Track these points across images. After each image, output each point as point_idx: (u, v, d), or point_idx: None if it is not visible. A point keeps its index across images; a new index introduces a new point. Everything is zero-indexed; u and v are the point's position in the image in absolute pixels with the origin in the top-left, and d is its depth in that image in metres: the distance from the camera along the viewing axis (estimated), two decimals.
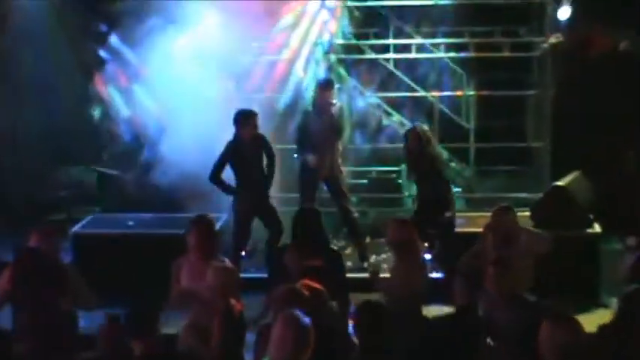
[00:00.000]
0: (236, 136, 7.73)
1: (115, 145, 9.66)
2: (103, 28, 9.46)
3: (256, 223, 7.96)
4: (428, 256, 7.29)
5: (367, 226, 8.89)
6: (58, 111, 9.57)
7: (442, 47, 9.69)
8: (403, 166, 9.23)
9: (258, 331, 4.75)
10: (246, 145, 7.71)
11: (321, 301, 4.65)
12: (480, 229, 6.79)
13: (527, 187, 9.29)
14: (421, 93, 9.80)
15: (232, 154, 7.69)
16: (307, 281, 4.74)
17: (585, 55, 9.00)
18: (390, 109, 9.84)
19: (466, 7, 9.57)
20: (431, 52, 9.75)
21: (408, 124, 9.60)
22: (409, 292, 5.56)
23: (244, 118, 7.67)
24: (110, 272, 7.32)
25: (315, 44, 9.51)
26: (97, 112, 9.71)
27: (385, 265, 7.64)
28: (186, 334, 5.24)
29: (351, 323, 4.76)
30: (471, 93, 9.78)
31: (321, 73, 9.36)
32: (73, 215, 8.82)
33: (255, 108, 7.96)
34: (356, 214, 8.47)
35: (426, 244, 7.41)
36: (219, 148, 7.90)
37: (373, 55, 9.72)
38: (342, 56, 9.66)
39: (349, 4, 9.69)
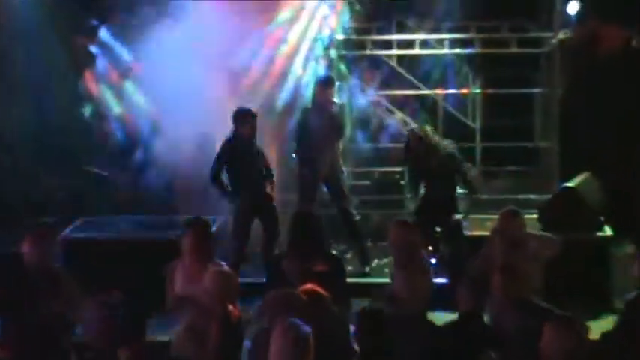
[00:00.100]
0: (234, 134, 7.75)
1: (106, 145, 9.64)
2: (94, 22, 9.44)
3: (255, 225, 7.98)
4: (432, 260, 7.31)
5: (369, 229, 8.91)
6: (49, 110, 9.57)
7: (447, 43, 9.69)
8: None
9: (254, 337, 4.76)
10: (245, 143, 7.73)
11: (323, 307, 4.66)
12: (486, 232, 6.80)
13: (534, 189, 9.30)
14: (425, 91, 9.80)
15: (231, 152, 7.70)
16: (310, 286, 4.74)
17: (595, 52, 8.99)
18: (392, 108, 9.85)
19: (472, 1, 9.57)
20: (435, 48, 9.75)
21: (412, 123, 9.64)
22: (412, 298, 5.56)
23: (243, 116, 7.70)
24: (102, 278, 7.29)
25: (315, 40, 9.51)
26: (87, 111, 9.69)
27: (387, 270, 7.64)
28: (181, 339, 5.23)
29: (352, 329, 4.78)
30: (477, 91, 9.79)
31: (321, 70, 9.37)
32: (64, 217, 8.80)
33: (253, 106, 7.98)
34: (357, 217, 8.48)
35: (430, 248, 7.44)
36: (216, 147, 7.93)
37: (375, 52, 9.72)
38: (343, 52, 9.66)
39: None
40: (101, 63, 9.44)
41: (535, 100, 9.97)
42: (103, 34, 9.38)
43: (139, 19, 8.85)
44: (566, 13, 9.15)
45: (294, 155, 8.43)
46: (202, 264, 5.48)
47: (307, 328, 4.00)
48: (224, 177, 7.83)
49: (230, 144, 7.75)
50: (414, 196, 8.04)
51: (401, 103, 9.89)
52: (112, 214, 8.83)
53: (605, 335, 4.56)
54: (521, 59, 9.62)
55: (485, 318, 5.21)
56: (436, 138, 7.84)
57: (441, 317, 5.55)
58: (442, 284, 6.93)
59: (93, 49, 9.45)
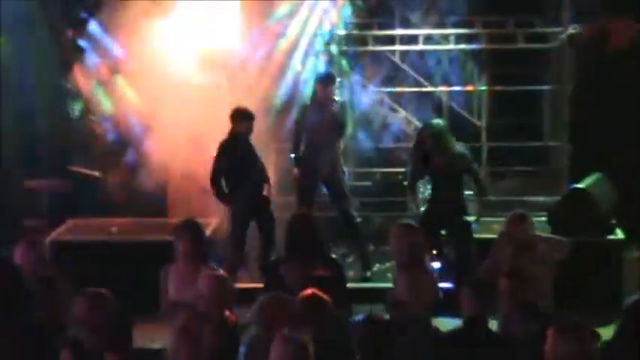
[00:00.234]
0: (232, 133, 7.78)
1: (95, 144, 9.66)
2: (82, 14, 9.44)
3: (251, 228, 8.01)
4: (437, 264, 7.33)
5: (370, 232, 8.92)
6: (34, 106, 9.57)
7: (451, 38, 9.71)
8: None
9: (250, 343, 4.79)
10: (243, 143, 7.76)
11: (326, 314, 4.68)
12: (493, 235, 6.83)
13: (543, 190, 9.31)
14: (429, 88, 9.82)
15: (229, 153, 7.72)
16: (312, 291, 4.77)
17: (606, 48, 9.02)
18: (395, 105, 9.87)
19: None
20: (439, 43, 9.77)
21: (415, 122, 9.66)
22: (415, 303, 5.59)
23: (242, 115, 7.73)
24: (91, 282, 7.30)
25: (315, 35, 9.54)
26: (75, 108, 9.70)
27: (389, 275, 7.66)
28: (176, 345, 5.24)
29: (353, 337, 4.80)
30: (483, 88, 9.81)
31: (321, 67, 9.39)
32: (51, 219, 8.82)
33: (250, 103, 8.00)
34: (358, 219, 8.49)
35: (434, 251, 7.47)
36: (211, 147, 7.95)
37: (377, 47, 9.75)
38: (344, 48, 9.69)
39: None
40: (90, 58, 9.43)
41: (543, 98, 10.00)
42: (93, 27, 9.37)
43: (130, 11, 8.85)
44: (574, 7, 9.18)
45: (292, 155, 8.45)
46: (197, 268, 5.51)
47: (307, 337, 4.04)
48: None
49: (228, 144, 7.77)
50: (410, 195, 8.01)
51: (404, 101, 9.92)
52: (102, 215, 8.84)
53: (606, 344, 4.60)
54: (529, 55, 9.64)
55: (494, 323, 5.24)
56: (449, 135, 7.78)
57: (446, 323, 5.58)
58: (447, 289, 6.95)
59: (82, 42, 9.44)
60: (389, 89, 9.89)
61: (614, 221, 8.04)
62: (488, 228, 7.89)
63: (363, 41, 9.74)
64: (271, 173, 8.21)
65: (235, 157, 7.75)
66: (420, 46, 9.72)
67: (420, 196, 8.38)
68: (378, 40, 9.74)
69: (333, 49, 9.61)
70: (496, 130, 9.76)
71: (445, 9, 9.65)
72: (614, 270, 7.62)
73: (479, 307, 4.98)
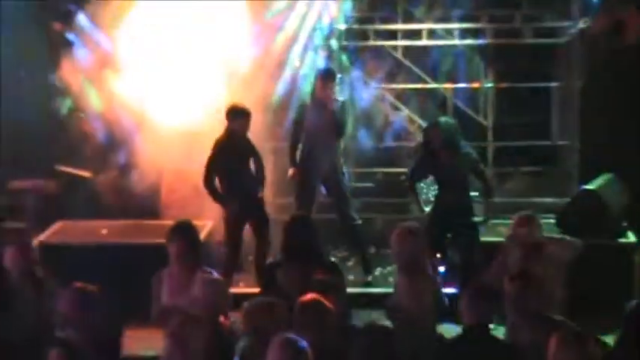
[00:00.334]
0: (227, 131, 7.77)
1: (84, 143, 9.64)
2: (70, 6, 9.41)
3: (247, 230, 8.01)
4: (441, 269, 7.33)
5: (372, 235, 8.92)
6: (20, 103, 9.55)
7: (456, 33, 9.72)
8: None
9: (241, 356, 4.79)
10: (238, 142, 7.75)
11: (327, 319, 4.67)
12: (499, 238, 6.83)
13: (552, 191, 9.32)
14: (433, 85, 9.82)
15: (224, 152, 7.71)
16: (313, 296, 4.76)
17: (618, 42, 9.02)
18: (397, 103, 9.87)
19: None
20: (444, 38, 9.77)
21: (418, 120, 9.66)
22: (417, 310, 5.58)
23: (237, 113, 7.72)
24: None
25: (314, 29, 9.54)
26: (63, 105, 9.68)
27: (391, 279, 7.66)
28: (168, 352, 5.24)
29: (353, 344, 4.79)
30: (489, 85, 9.81)
31: (320, 62, 9.39)
32: (38, 222, 8.81)
33: (246, 100, 7.99)
34: (359, 221, 8.49)
35: (438, 255, 7.46)
36: (205, 146, 7.94)
37: (379, 42, 9.75)
38: (345, 43, 9.68)
39: None
40: (79, 52, 9.40)
41: (552, 95, 10.00)
42: (81, 19, 9.34)
43: (120, 2, 8.84)
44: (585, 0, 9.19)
45: (290, 155, 8.43)
46: (191, 272, 5.51)
47: (304, 344, 4.03)
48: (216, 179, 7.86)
49: (223, 143, 7.76)
50: (412, 196, 7.99)
51: (407, 98, 9.91)
52: (92, 218, 8.83)
53: (608, 354, 4.62)
54: (537, 50, 9.65)
55: (504, 330, 5.24)
56: (458, 135, 7.77)
57: (452, 330, 5.57)
58: (452, 294, 6.94)
59: (70, 36, 9.42)
60: (391, 86, 9.88)
61: (625, 224, 8.03)
62: (494, 231, 7.89)
63: (364, 36, 9.74)
64: (268, 173, 8.20)
65: (230, 156, 7.74)
66: (424, 41, 9.73)
67: (424, 197, 8.37)
68: (379, 34, 9.74)
69: (333, 43, 9.61)
70: (503, 129, 9.76)
71: (450, 2, 9.64)
72: (625, 274, 7.62)
73: (477, 315, 4.97)
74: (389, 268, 8.35)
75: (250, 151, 7.92)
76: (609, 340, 5.00)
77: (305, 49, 9.47)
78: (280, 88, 9.34)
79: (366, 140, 9.77)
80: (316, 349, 4.10)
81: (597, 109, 9.12)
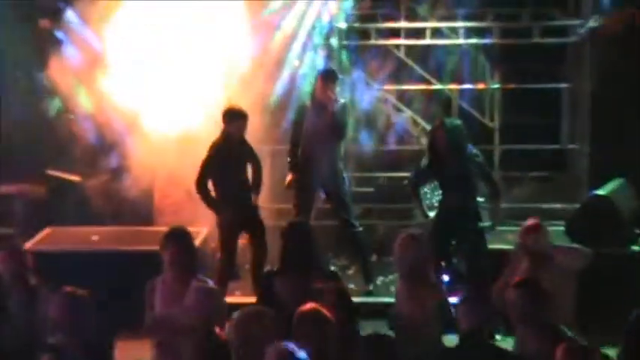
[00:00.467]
0: (223, 134, 7.79)
1: (74, 146, 9.66)
2: (59, 3, 9.42)
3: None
4: (445, 277, 7.35)
5: (373, 242, 8.93)
6: (6, 104, 9.56)
7: (461, 32, 9.74)
8: None
9: None
10: (235, 145, 7.77)
11: (328, 330, 4.69)
12: (506, 246, 6.84)
13: (561, 196, 9.34)
14: (437, 86, 9.85)
15: (219, 156, 7.72)
16: (312, 306, 4.77)
17: (630, 42, 9.04)
18: (400, 104, 9.89)
19: None
20: (448, 37, 9.79)
21: (422, 122, 9.68)
22: (419, 318, 5.59)
23: (234, 115, 7.74)
24: None
25: (314, 27, 9.55)
26: (53, 106, 9.70)
27: (393, 288, 7.67)
28: (157, 357, 5.26)
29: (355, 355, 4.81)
30: (496, 86, 9.84)
31: (320, 62, 9.41)
32: (26, 227, 8.81)
33: (244, 101, 8.01)
34: (360, 228, 8.49)
35: (443, 263, 7.47)
36: (200, 150, 7.95)
37: (381, 41, 9.77)
38: (345, 42, 9.70)
39: None
40: (68, 50, 9.41)
41: (561, 97, 10.02)
42: (70, 16, 9.35)
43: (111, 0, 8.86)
44: None
45: (289, 159, 8.44)
46: (185, 280, 5.51)
47: (303, 354, 4.05)
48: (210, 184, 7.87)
49: (219, 146, 7.78)
50: (414, 201, 7.98)
51: (410, 100, 9.94)
52: (83, 223, 8.85)
53: None
54: (546, 50, 9.67)
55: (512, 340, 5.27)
56: (465, 137, 7.75)
57: (454, 340, 5.59)
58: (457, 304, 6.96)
59: (58, 34, 9.43)
60: (393, 87, 9.90)
61: (638, 231, 8.05)
62: (501, 238, 7.90)
63: (365, 34, 9.76)
64: (265, 177, 8.21)
65: (226, 160, 7.75)
66: (428, 40, 9.75)
67: (428, 202, 8.37)
68: (381, 33, 9.77)
69: (333, 42, 9.62)
70: (510, 132, 9.78)
71: (454, 0, 9.67)
72: (638, 283, 7.63)
73: (474, 321, 5.00)
74: (391, 277, 8.35)
75: (248, 154, 7.94)
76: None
77: (304, 48, 9.49)
78: (279, 88, 9.35)
79: (367, 143, 9.79)
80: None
81: (608, 111, 9.14)
